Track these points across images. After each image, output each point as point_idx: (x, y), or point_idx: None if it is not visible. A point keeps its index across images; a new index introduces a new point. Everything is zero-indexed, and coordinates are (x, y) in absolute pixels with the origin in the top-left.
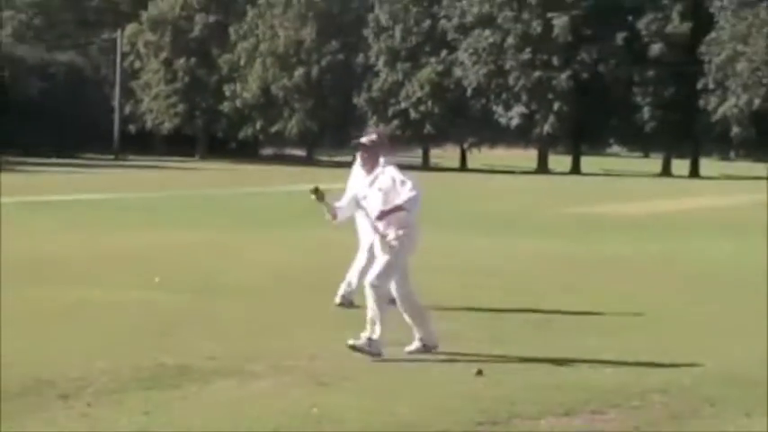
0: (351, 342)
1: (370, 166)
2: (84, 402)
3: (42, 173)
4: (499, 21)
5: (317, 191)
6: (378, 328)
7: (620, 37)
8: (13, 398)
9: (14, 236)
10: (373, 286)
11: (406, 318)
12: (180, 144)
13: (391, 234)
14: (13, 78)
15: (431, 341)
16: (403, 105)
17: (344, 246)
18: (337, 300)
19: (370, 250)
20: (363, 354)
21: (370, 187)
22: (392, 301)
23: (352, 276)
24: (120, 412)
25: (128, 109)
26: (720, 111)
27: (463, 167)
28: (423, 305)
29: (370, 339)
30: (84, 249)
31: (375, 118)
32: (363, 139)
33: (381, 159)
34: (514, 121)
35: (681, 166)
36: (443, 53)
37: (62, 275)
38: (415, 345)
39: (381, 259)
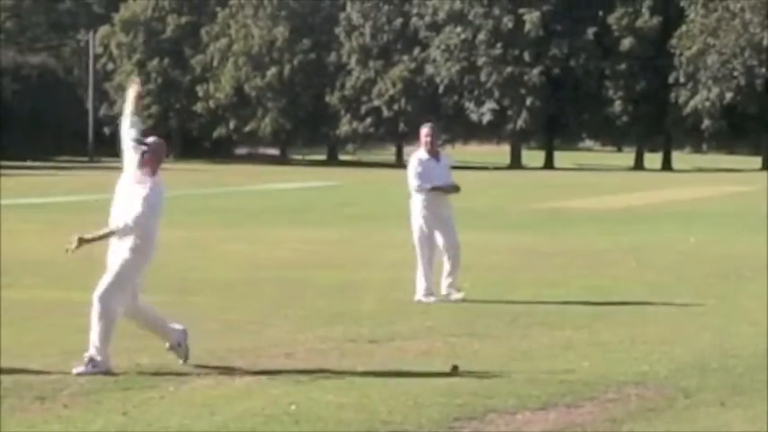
0: (75, 371)
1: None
2: (60, 404)
3: (17, 176)
4: (470, 17)
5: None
6: (99, 347)
7: (590, 31)
8: None
9: None
10: (101, 300)
11: (145, 330)
12: None
13: (127, 244)
14: None
15: (180, 337)
16: (376, 103)
17: (317, 242)
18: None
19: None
20: (90, 375)
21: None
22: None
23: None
24: (97, 413)
25: (102, 111)
26: (692, 104)
27: None
28: (156, 314)
29: (91, 359)
30: (61, 251)
31: (348, 116)
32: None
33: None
34: (486, 117)
35: (653, 159)
36: (415, 51)
37: (40, 277)
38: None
39: (112, 271)
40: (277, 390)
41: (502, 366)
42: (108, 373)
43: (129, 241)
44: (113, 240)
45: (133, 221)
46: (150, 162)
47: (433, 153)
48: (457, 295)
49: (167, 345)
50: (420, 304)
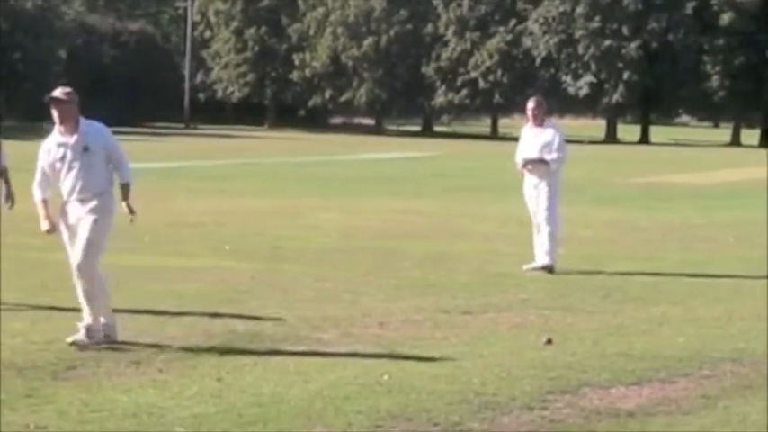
0: (69, 339)
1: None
2: (156, 368)
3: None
4: None
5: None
6: (92, 313)
7: (689, 5)
8: (88, 363)
9: None
10: (80, 268)
11: (80, 297)
12: (249, 113)
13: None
14: (85, 47)
15: (112, 332)
16: (472, 75)
17: (411, 212)
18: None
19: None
20: (86, 347)
21: None
22: None
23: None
24: (192, 378)
25: (198, 78)
26: None
27: None
28: (107, 290)
29: (87, 327)
30: (156, 217)
31: (444, 87)
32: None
33: None
34: (583, 91)
35: (750, 135)
36: (512, 22)
37: (135, 242)
38: (81, 333)
39: (84, 237)
40: (370, 359)
41: (595, 340)
42: (111, 341)
43: (93, 203)
44: (72, 207)
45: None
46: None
47: (537, 125)
48: (532, 264)
49: (81, 327)
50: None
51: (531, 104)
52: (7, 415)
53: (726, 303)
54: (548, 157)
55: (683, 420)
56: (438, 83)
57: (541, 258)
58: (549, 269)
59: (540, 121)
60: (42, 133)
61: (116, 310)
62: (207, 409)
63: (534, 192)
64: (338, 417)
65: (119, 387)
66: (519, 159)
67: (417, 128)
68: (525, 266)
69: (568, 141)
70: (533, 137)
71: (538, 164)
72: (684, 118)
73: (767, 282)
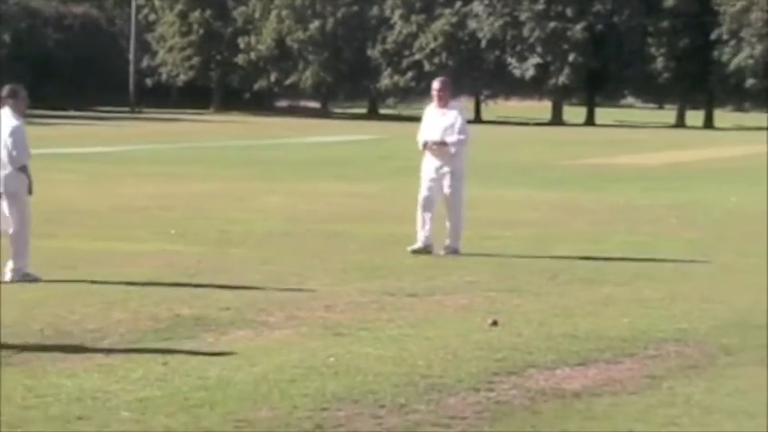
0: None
1: None
2: (102, 353)
3: (60, 125)
4: None
5: None
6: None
7: None
8: (33, 348)
9: (35, 187)
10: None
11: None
12: (195, 96)
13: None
14: (29, 30)
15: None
16: (417, 57)
17: (357, 195)
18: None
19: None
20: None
21: None
22: None
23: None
24: (137, 362)
25: (144, 62)
26: (735, 61)
27: (478, 119)
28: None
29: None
30: (102, 201)
31: (390, 69)
32: None
33: None
34: (529, 73)
35: (695, 117)
36: (458, 5)
37: (81, 227)
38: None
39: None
40: (316, 342)
41: (541, 322)
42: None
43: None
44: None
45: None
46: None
47: (441, 106)
48: (416, 245)
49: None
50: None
51: (435, 85)
52: None
53: (670, 284)
54: (449, 139)
55: (628, 400)
56: (384, 65)
57: (444, 246)
58: (454, 251)
59: (444, 102)
60: None
61: (60, 294)
62: (152, 392)
63: (435, 174)
64: (284, 400)
65: (63, 372)
66: (420, 139)
67: (363, 110)
68: (409, 248)
69: (514, 123)
70: (436, 117)
71: (440, 146)
72: (630, 99)
73: (709, 264)
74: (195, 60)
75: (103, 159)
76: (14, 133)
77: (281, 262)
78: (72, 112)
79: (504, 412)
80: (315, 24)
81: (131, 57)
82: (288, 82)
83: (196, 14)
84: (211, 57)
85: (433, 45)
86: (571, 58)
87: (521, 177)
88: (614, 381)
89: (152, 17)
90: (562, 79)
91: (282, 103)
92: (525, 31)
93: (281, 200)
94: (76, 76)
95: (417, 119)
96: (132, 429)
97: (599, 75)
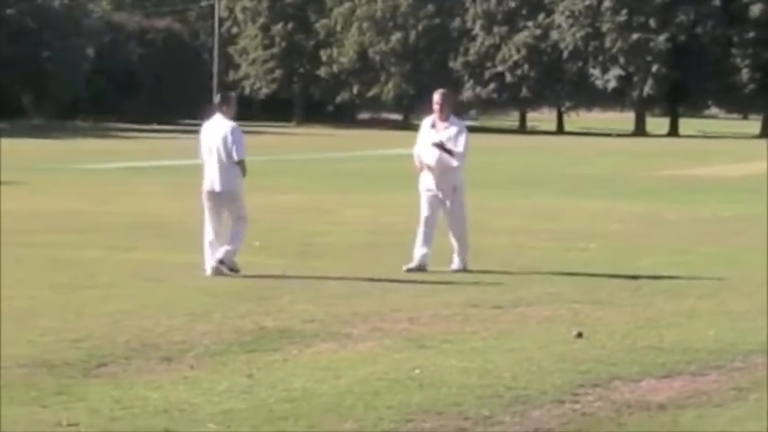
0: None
1: None
2: (186, 365)
3: (142, 138)
4: None
5: None
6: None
7: None
8: (119, 360)
9: (119, 200)
10: None
11: None
12: (277, 109)
13: None
14: (113, 45)
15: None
16: (499, 69)
17: None
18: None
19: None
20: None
21: None
22: None
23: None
24: (222, 374)
25: (227, 75)
26: None
27: (560, 130)
28: None
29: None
30: (187, 214)
31: (472, 81)
32: None
33: None
34: (611, 84)
35: None
36: (540, 16)
37: (165, 239)
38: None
39: None
40: (400, 354)
41: (626, 334)
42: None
43: None
44: None
45: None
46: None
47: (441, 119)
48: (411, 264)
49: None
50: (545, 271)
51: (436, 97)
52: (39, 412)
53: (755, 297)
54: (453, 147)
55: (714, 413)
56: (466, 77)
57: (453, 263)
58: (464, 267)
59: (445, 115)
60: (71, 131)
61: (145, 306)
62: (237, 405)
63: (435, 190)
64: (369, 412)
65: (150, 384)
66: (417, 152)
67: None
68: (404, 267)
69: (596, 135)
70: (436, 131)
71: (440, 153)
72: (713, 110)
73: None
74: (277, 73)
75: (188, 173)
76: (234, 132)
77: (364, 274)
78: (155, 126)
79: (589, 424)
80: (396, 36)
81: (214, 70)
82: (370, 94)
83: (278, 27)
84: (293, 69)
85: (515, 57)
86: (654, 69)
87: (603, 189)
88: (700, 393)
89: (234, 30)
90: (645, 90)
91: (364, 116)
92: (607, 42)
93: (363, 212)
94: (159, 90)
95: (500, 130)
96: None
97: (682, 86)
